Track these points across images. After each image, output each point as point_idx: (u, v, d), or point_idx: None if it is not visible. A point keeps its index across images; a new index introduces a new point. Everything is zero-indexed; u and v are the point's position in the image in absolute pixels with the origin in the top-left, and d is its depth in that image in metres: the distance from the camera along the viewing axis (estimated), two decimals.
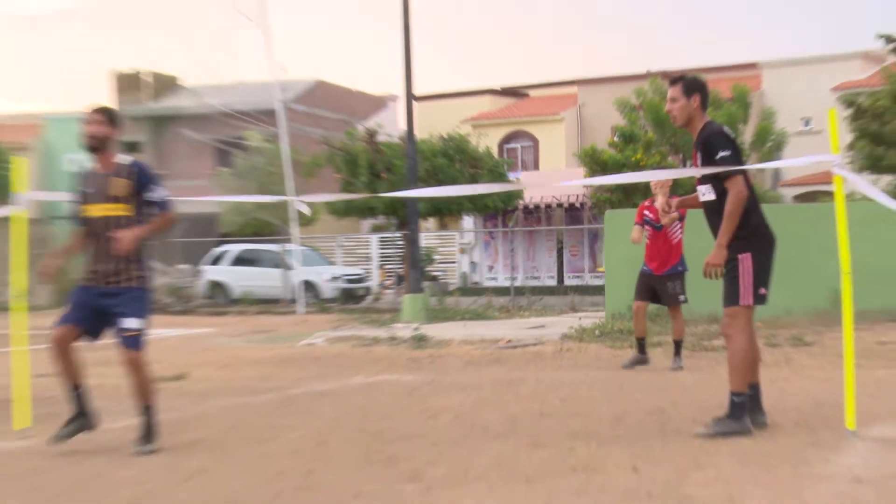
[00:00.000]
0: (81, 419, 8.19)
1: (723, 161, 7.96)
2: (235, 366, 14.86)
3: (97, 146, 8.23)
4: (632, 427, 8.57)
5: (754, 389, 8.21)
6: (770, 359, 13.91)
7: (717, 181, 8.06)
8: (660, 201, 12.27)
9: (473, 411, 9.76)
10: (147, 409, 8.06)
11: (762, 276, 8.06)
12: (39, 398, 9.29)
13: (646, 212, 13.18)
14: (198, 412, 10.15)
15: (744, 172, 8.08)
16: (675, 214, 11.06)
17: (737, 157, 8.09)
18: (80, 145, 8.33)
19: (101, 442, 8.36)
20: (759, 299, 8.07)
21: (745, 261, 8.00)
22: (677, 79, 8.45)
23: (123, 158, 8.29)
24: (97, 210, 8.23)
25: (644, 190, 31.39)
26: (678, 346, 13.27)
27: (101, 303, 8.07)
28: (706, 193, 8.21)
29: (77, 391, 8.21)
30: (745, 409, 7.93)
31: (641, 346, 13.31)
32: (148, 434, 7.98)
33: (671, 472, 6.63)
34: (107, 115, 8.27)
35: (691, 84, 8.31)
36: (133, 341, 7.96)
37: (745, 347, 7.97)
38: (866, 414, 8.13)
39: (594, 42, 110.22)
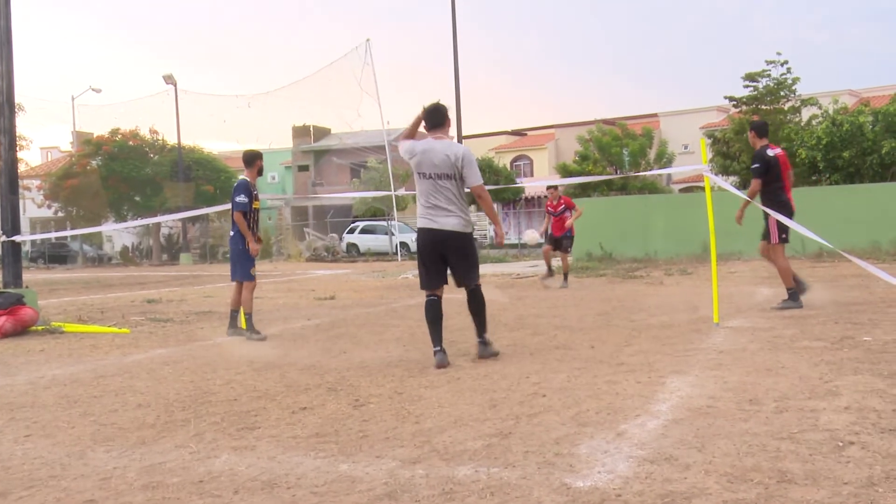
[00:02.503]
0: (235, 328, 8.27)
1: (753, 170, 8.54)
2: (362, 290, 14.86)
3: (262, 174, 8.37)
4: (589, 322, 8.47)
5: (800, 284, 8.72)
6: (668, 281, 13.77)
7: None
8: (552, 196, 13.75)
9: (498, 314, 9.67)
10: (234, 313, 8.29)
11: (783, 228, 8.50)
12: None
13: (548, 207, 13.90)
14: (342, 317, 10.16)
15: (764, 172, 8.43)
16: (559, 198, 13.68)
17: (761, 166, 8.46)
18: (261, 170, 8.37)
19: (287, 335, 8.37)
20: (783, 241, 8.55)
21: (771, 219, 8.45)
22: (751, 123, 9.18)
23: None
24: (257, 204, 8.27)
25: (594, 186, 31.32)
26: (566, 275, 13.72)
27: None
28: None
29: (234, 313, 8.31)
30: (801, 286, 8.61)
31: (550, 269, 14.15)
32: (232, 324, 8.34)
33: (613, 348, 6.54)
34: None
35: (754, 125, 8.89)
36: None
37: (785, 266, 8.51)
38: (724, 313, 8.07)
39: (563, 101, 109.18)
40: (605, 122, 40.28)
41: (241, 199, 8.14)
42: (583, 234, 22.02)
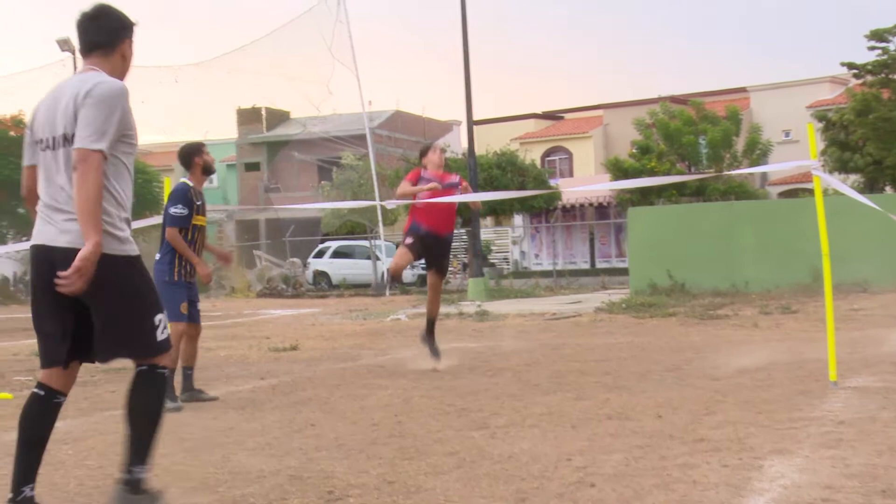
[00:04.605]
0: (191, 391, 8.36)
1: None
2: (336, 337, 14.88)
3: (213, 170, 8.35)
4: (654, 381, 8.50)
5: None
6: (764, 324, 13.79)
7: None
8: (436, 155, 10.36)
9: (527, 370, 9.71)
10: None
11: None
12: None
13: (429, 172, 10.23)
14: (308, 375, 10.16)
15: None
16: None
17: None
18: (207, 168, 8.31)
19: (232, 401, 8.40)
20: None
21: None
22: None
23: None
24: (201, 220, 8.19)
25: (660, 189, 31.38)
26: (431, 323, 10.58)
27: (193, 291, 8.32)
28: None
29: (188, 371, 8.38)
30: None
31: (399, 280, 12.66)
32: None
33: (688, 418, 6.56)
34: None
35: None
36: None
37: None
38: (845, 368, 8.07)
39: (615, 73, 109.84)
40: (674, 99, 40.52)
41: (178, 210, 8.01)
42: (644, 256, 22.22)
